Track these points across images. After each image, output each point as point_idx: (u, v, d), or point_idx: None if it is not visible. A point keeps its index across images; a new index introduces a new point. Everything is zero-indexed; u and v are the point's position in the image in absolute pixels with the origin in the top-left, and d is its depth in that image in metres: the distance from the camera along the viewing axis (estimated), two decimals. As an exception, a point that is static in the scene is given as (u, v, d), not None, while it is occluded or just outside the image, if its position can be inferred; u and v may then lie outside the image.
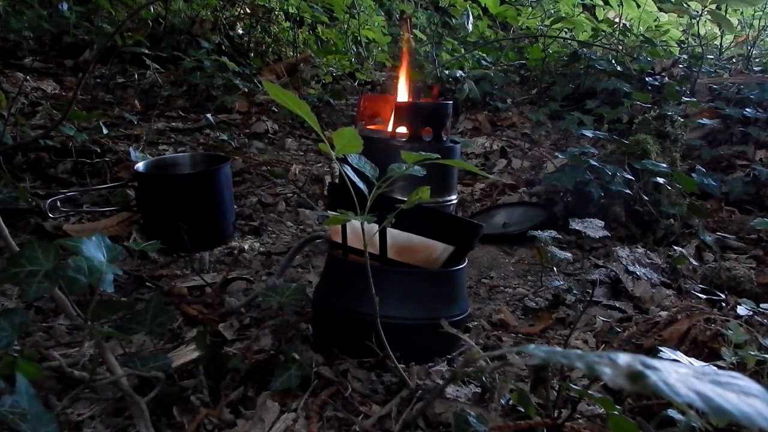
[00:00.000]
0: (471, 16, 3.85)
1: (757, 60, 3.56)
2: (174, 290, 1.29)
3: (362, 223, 0.83)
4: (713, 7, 3.00)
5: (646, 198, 1.72)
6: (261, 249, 1.58)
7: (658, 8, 3.64)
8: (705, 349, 1.01)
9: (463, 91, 3.08)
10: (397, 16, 4.52)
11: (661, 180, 1.73)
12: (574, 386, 0.83)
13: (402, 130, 1.55)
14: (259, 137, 2.60)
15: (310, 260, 1.53)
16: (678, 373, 0.36)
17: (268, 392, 0.88)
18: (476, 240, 1.04)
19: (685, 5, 3.36)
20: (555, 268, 1.44)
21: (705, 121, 2.39)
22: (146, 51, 2.76)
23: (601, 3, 3.85)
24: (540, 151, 2.56)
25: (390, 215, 0.86)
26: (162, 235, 1.34)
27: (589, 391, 0.82)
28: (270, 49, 3.58)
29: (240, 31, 3.56)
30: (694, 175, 1.95)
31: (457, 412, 0.78)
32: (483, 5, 3.96)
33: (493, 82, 3.28)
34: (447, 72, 3.21)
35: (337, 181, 2.09)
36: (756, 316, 1.13)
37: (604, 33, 3.60)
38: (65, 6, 3.06)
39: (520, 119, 3.02)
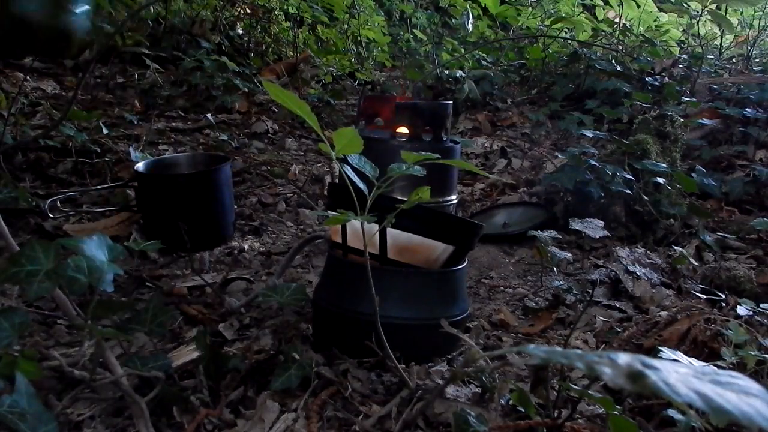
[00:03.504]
0: (471, 16, 3.85)
1: (757, 60, 3.57)
2: (174, 290, 1.29)
3: (362, 223, 0.83)
4: (713, 7, 3.00)
5: (646, 198, 1.72)
6: (261, 249, 1.58)
7: (658, 8, 3.64)
8: (705, 349, 1.01)
9: (463, 91, 3.08)
10: (397, 16, 4.52)
11: (661, 180, 1.73)
12: (574, 386, 0.83)
13: (402, 129, 1.55)
14: (259, 137, 2.60)
15: (310, 260, 1.53)
16: (678, 373, 0.36)
17: (268, 392, 0.88)
18: (476, 240, 1.04)
19: (685, 5, 3.36)
20: (555, 268, 1.44)
21: (705, 121, 2.39)
22: (146, 51, 2.76)
23: (601, 3, 3.85)
24: (540, 151, 2.56)
25: (390, 215, 0.86)
26: (162, 235, 1.34)
27: (589, 391, 0.82)
28: (270, 49, 3.58)
29: (240, 31, 3.56)
30: (694, 175, 1.95)
31: (457, 412, 0.78)
32: (483, 5, 3.96)
33: (493, 82, 3.28)
34: (447, 72, 3.21)
35: (337, 181, 2.09)
36: (756, 316, 1.13)
37: (604, 33, 3.60)
38: (65, 6, 3.06)
39: (520, 119, 3.02)
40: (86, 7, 0.60)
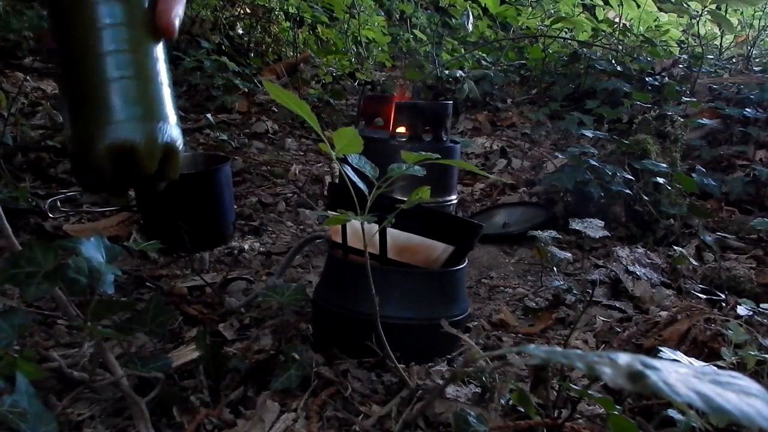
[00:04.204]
0: (471, 16, 3.85)
1: (757, 60, 3.57)
2: (174, 290, 1.29)
3: (362, 223, 0.83)
4: (713, 7, 3.00)
5: (646, 198, 1.72)
6: (261, 249, 1.58)
7: (658, 8, 3.64)
8: (705, 349, 1.01)
9: (463, 91, 3.08)
10: (397, 16, 4.52)
11: (661, 180, 1.73)
12: (574, 386, 0.83)
13: (402, 129, 1.55)
14: (259, 137, 2.60)
15: (310, 260, 1.53)
16: (678, 373, 0.36)
17: (268, 392, 0.88)
18: (476, 240, 1.04)
19: (685, 5, 3.36)
20: (555, 268, 1.44)
21: (705, 121, 2.39)
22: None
23: (601, 3, 3.85)
24: (540, 151, 2.56)
25: (390, 215, 0.86)
26: (162, 235, 1.34)
27: (589, 391, 0.82)
28: (270, 49, 3.58)
29: (240, 31, 3.56)
30: (694, 175, 1.95)
31: (457, 412, 0.78)
32: (483, 5, 3.96)
33: (493, 82, 3.28)
34: (447, 72, 3.21)
35: (337, 181, 2.09)
36: (756, 316, 1.13)
37: (604, 33, 3.60)
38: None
39: (520, 119, 3.02)
40: (175, 114, 0.56)
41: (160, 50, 0.59)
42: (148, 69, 0.57)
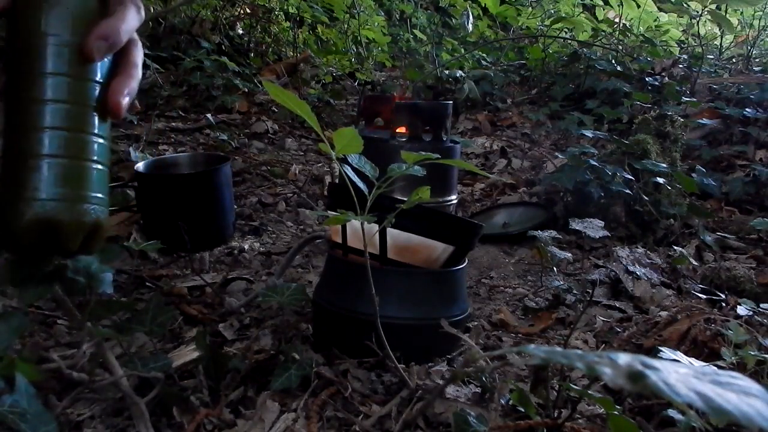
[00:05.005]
0: (471, 16, 3.85)
1: (757, 60, 3.57)
2: (174, 290, 1.29)
3: (362, 223, 0.83)
4: (713, 7, 3.00)
5: (646, 198, 1.72)
6: (261, 249, 1.58)
7: (658, 8, 3.64)
8: (705, 349, 1.01)
9: (463, 91, 3.08)
10: (397, 16, 4.52)
11: (661, 180, 1.73)
12: (574, 386, 0.83)
13: (402, 129, 1.55)
14: (259, 137, 2.60)
15: (310, 260, 1.53)
16: (678, 373, 0.36)
17: (268, 392, 0.88)
18: (476, 240, 1.04)
19: (685, 5, 3.36)
20: (555, 268, 1.44)
21: (705, 121, 2.39)
22: (146, 51, 2.76)
23: (601, 3, 3.85)
24: (540, 151, 2.56)
25: (390, 215, 0.86)
26: (162, 235, 1.34)
27: (589, 391, 0.82)
28: (270, 49, 3.59)
29: (240, 31, 3.57)
30: (694, 175, 1.95)
31: (457, 412, 0.78)
32: (483, 5, 3.96)
33: (493, 82, 3.28)
34: (447, 72, 3.21)
35: (337, 181, 2.10)
36: (756, 316, 1.13)
37: (604, 33, 3.60)
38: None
39: (520, 119, 3.03)
40: (104, 194, 0.57)
41: (102, 128, 0.58)
42: (84, 149, 0.56)
